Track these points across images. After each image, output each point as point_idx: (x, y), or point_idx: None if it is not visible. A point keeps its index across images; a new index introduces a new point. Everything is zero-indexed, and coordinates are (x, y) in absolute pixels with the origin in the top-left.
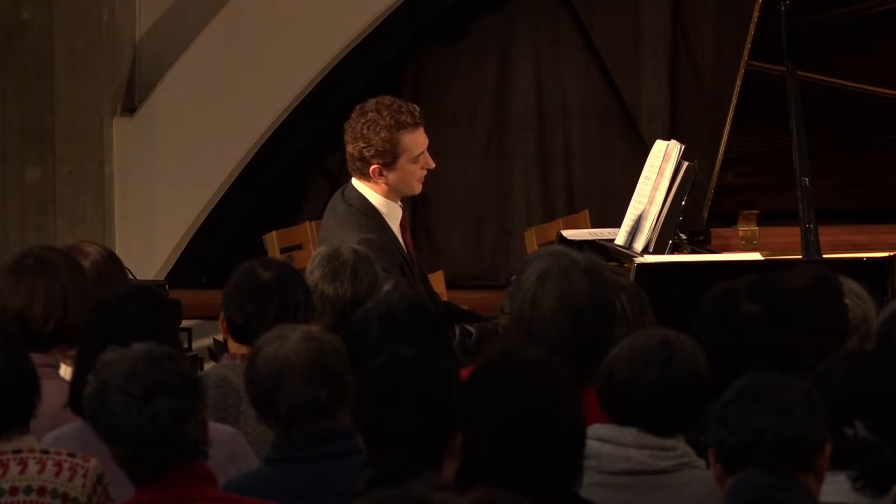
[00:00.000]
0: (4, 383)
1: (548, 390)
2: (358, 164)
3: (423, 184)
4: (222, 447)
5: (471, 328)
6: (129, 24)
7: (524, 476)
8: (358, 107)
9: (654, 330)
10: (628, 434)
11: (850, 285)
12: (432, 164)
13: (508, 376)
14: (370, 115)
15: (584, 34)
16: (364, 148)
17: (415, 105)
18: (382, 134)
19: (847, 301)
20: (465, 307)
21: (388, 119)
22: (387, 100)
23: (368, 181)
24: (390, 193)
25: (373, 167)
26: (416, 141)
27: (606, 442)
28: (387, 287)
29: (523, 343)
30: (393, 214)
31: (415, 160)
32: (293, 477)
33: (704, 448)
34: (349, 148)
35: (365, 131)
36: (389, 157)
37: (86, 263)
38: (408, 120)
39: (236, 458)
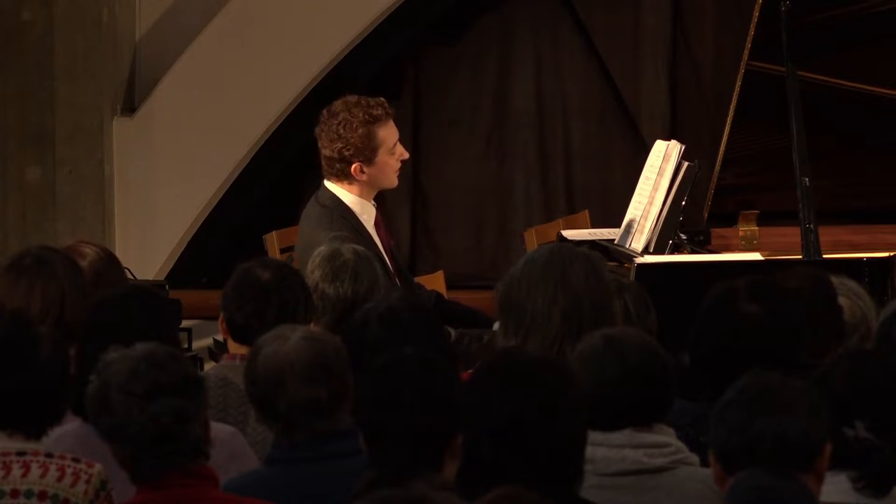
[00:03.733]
0: (43, 373)
1: (549, 390)
2: (338, 165)
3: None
4: (222, 446)
5: (452, 331)
6: (129, 24)
7: (525, 476)
8: (325, 110)
9: (592, 333)
10: (621, 435)
11: (850, 285)
12: (406, 155)
13: (509, 376)
14: (342, 115)
15: (584, 34)
16: (343, 148)
17: (381, 98)
18: (360, 131)
19: (847, 301)
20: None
21: (361, 116)
22: (352, 98)
23: (345, 181)
24: (366, 191)
25: (354, 166)
26: (391, 132)
27: (600, 445)
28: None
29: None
30: (367, 213)
31: (391, 152)
32: (294, 477)
33: (704, 448)
34: (326, 151)
35: (341, 131)
36: (369, 153)
37: (84, 264)
38: (380, 113)
39: (236, 458)
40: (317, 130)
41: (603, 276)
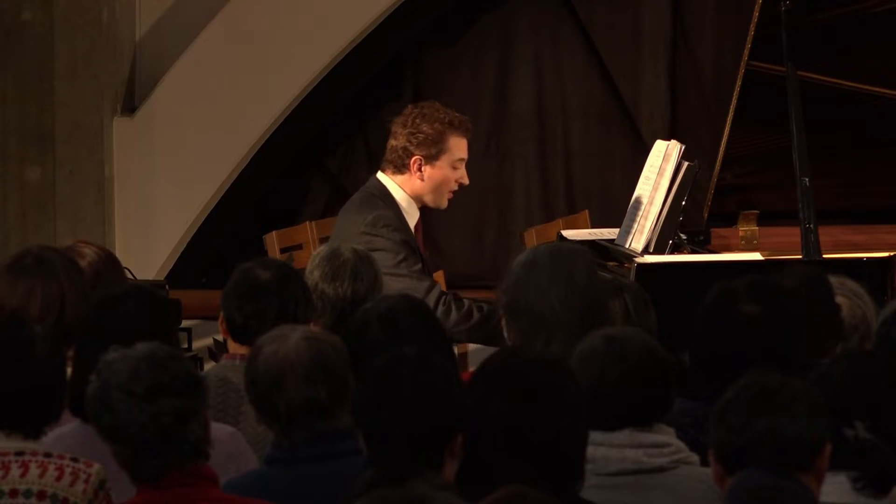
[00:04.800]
0: (38, 373)
1: (550, 390)
2: (400, 152)
3: None
4: (222, 447)
5: (483, 304)
6: (129, 24)
7: (525, 476)
8: (410, 105)
9: (592, 333)
10: (621, 434)
11: (850, 285)
12: (467, 181)
13: (511, 376)
14: (426, 109)
15: (584, 34)
16: (411, 135)
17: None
18: (435, 125)
19: (846, 301)
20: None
21: (442, 116)
22: (441, 105)
23: (398, 174)
24: (416, 195)
25: (414, 158)
26: (461, 147)
27: (600, 445)
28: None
29: (518, 313)
30: (411, 211)
31: (455, 165)
32: (293, 477)
33: (704, 448)
34: (394, 140)
35: (417, 121)
36: (434, 151)
37: (83, 264)
38: (460, 124)
39: (235, 458)
40: (394, 119)
41: (597, 272)
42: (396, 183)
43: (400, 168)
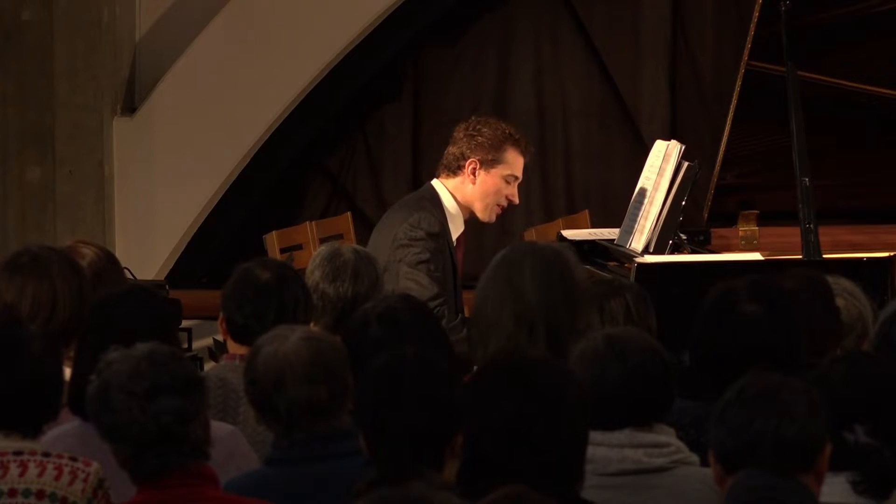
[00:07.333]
0: (35, 372)
1: (550, 391)
2: (457, 154)
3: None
4: (222, 445)
5: None
6: (129, 24)
7: (526, 476)
8: (476, 116)
9: (591, 333)
10: (621, 434)
11: (845, 284)
12: (517, 200)
13: (511, 376)
14: (492, 122)
15: (584, 34)
16: (471, 138)
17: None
18: (497, 133)
19: (842, 300)
20: None
21: (505, 130)
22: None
23: (451, 177)
24: (466, 202)
25: (470, 160)
26: (518, 162)
27: (600, 445)
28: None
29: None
30: (457, 221)
31: (508, 179)
32: (293, 477)
33: (704, 448)
34: (452, 146)
35: (481, 128)
36: (490, 157)
37: (83, 264)
38: (522, 143)
39: (236, 457)
40: (459, 125)
41: (557, 273)
42: (448, 188)
43: (454, 170)
